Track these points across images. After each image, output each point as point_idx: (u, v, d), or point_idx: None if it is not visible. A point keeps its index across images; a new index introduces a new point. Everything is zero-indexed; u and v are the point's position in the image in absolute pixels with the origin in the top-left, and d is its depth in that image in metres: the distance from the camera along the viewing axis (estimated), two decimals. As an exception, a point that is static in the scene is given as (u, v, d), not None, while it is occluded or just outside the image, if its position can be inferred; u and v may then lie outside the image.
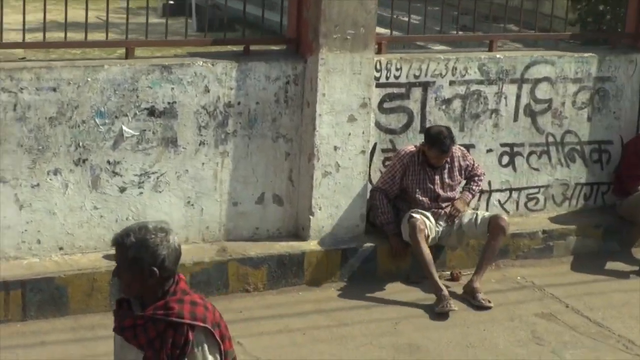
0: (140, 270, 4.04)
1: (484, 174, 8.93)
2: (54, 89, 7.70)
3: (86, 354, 7.12)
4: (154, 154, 8.10)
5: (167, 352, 3.98)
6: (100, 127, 7.89)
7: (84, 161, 7.88)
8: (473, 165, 8.82)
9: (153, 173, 8.12)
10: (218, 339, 4.12)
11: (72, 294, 7.65)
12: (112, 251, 7.77)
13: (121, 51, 8.35)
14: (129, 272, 4.06)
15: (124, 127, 7.95)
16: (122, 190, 8.04)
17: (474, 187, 8.86)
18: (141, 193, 8.12)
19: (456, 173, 8.72)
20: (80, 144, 7.84)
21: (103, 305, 7.67)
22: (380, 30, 9.12)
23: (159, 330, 4.01)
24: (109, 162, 7.96)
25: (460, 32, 10.70)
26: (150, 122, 8.06)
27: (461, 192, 8.75)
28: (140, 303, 4.14)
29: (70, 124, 7.79)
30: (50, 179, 7.79)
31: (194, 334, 4.03)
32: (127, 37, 8.30)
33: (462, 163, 8.74)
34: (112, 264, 7.70)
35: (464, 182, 8.83)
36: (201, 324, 4.05)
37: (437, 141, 8.41)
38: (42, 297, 7.54)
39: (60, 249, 7.91)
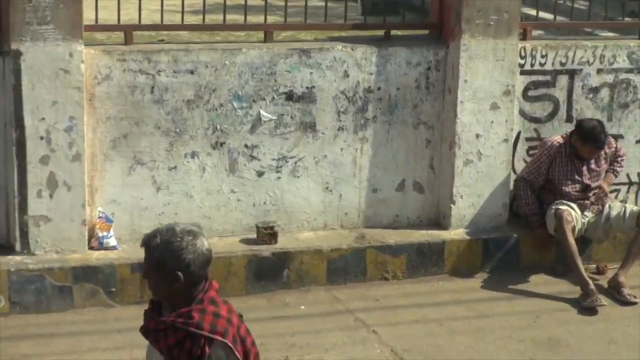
0: (165, 274, 3.85)
1: (625, 153, 8.57)
2: (192, 72, 7.75)
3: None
4: (292, 138, 8.07)
5: None
6: (238, 110, 7.90)
7: (221, 144, 7.91)
8: (616, 147, 8.49)
9: (291, 158, 8.09)
10: (238, 355, 3.90)
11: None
12: (250, 235, 7.98)
13: (260, 35, 8.35)
14: (154, 275, 3.89)
15: (262, 111, 7.94)
16: (260, 174, 8.04)
17: (617, 168, 8.53)
18: (279, 178, 8.10)
19: (602, 162, 8.39)
20: (218, 127, 7.88)
21: (239, 289, 7.67)
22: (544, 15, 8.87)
23: (178, 338, 3.85)
24: (246, 145, 7.97)
25: (628, 19, 10.29)
26: (288, 106, 8.02)
27: (605, 174, 8.43)
28: (170, 306, 3.95)
29: (208, 107, 7.84)
30: (187, 162, 7.85)
31: (212, 348, 3.82)
32: (266, 21, 8.30)
33: (607, 151, 8.40)
34: (249, 248, 7.86)
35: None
36: (220, 338, 3.83)
37: (592, 137, 8.10)
38: (180, 279, 7.60)
39: (197, 232, 7.95)
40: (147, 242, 3.92)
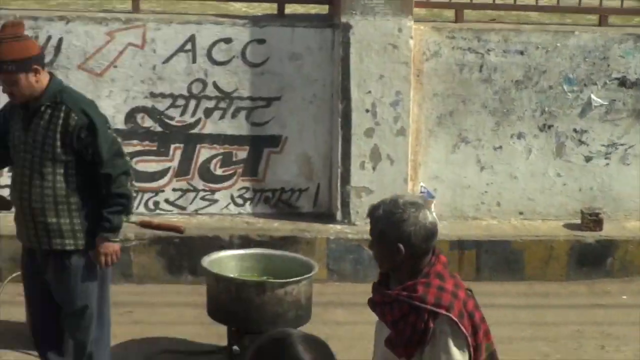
0: (387, 245, 3.76)
1: None
2: (522, 52, 7.64)
3: (534, 321, 6.98)
4: (622, 125, 7.75)
5: (406, 335, 3.71)
6: (568, 93, 7.69)
7: (549, 127, 7.73)
8: None
9: (621, 145, 7.77)
10: (465, 330, 3.70)
11: (528, 259, 7.55)
12: (574, 220, 7.76)
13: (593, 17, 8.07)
14: (377, 246, 3.81)
15: (593, 96, 7.69)
16: (588, 159, 7.79)
17: None
18: (607, 164, 7.80)
19: None
20: (546, 109, 7.71)
21: (559, 274, 7.49)
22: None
23: (403, 312, 3.74)
24: (575, 130, 7.74)
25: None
26: (620, 92, 7.72)
27: None
28: (397, 279, 3.86)
29: (537, 88, 7.69)
30: (513, 143, 7.75)
31: (436, 322, 3.68)
32: (601, 4, 8.00)
33: None
34: (572, 234, 7.65)
35: None
36: (444, 312, 3.68)
37: None
38: (497, 259, 7.54)
39: (520, 213, 7.84)
40: (372, 213, 3.83)
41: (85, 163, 4.79)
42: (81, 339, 4.94)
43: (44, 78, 4.78)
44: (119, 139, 5.02)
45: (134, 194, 5.08)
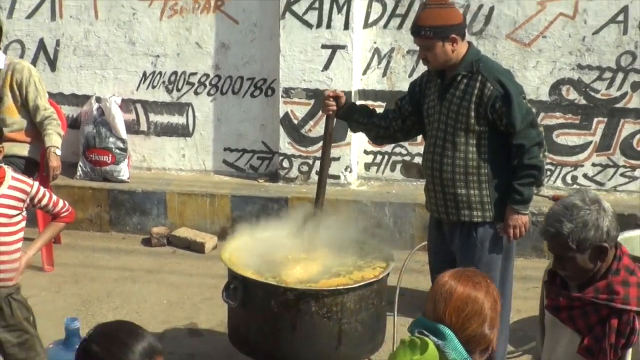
0: (591, 251, 3.39)
1: None
2: None
3: None
4: None
5: (610, 341, 3.33)
6: None
7: None
8: None
9: None
10: None
11: None
12: None
13: None
14: (578, 258, 3.43)
15: None
16: None
17: None
18: None
19: None
20: None
21: None
22: None
23: (601, 316, 3.35)
24: None
25: None
26: None
27: None
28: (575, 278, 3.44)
29: None
30: None
31: None
32: None
33: None
34: None
35: None
36: None
37: None
38: None
39: None
40: (556, 229, 3.45)
41: (498, 133, 4.73)
42: None
43: (462, 48, 4.76)
44: (534, 110, 4.89)
45: (546, 167, 4.93)
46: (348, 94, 7.58)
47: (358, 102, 5.61)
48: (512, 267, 5.01)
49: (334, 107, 5.07)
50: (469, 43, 4.86)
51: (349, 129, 5.52)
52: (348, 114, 5.13)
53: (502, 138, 4.73)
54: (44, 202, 4.59)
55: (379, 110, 5.28)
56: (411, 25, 4.91)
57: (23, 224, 4.54)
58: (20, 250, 4.57)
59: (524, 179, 4.69)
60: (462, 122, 4.74)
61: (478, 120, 4.71)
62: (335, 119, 5.13)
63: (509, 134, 4.67)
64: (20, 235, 4.53)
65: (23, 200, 4.50)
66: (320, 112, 7.55)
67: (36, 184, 4.57)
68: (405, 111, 5.10)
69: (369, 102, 7.74)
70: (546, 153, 4.81)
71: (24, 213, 4.56)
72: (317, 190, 5.11)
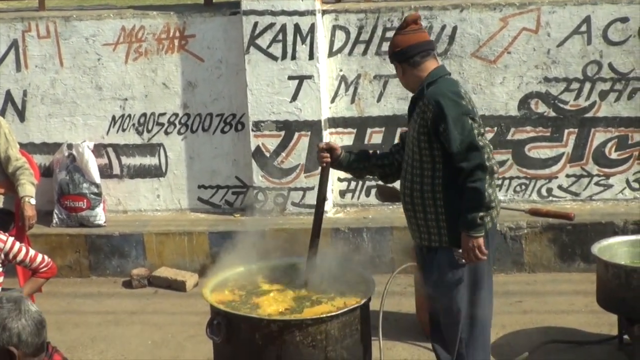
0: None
1: None
2: None
3: None
4: None
5: None
6: None
7: None
8: None
9: None
10: None
11: None
12: None
13: None
14: None
15: None
16: None
17: None
18: None
19: None
20: None
21: None
22: None
23: None
24: None
25: None
26: None
27: None
28: None
29: None
30: None
31: None
32: None
33: None
34: None
35: None
36: None
37: None
38: None
39: None
40: None
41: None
42: (450, 337, 4.86)
43: (421, 72, 4.78)
44: (479, 129, 4.60)
45: (490, 190, 4.71)
46: (317, 122, 7.61)
47: (362, 148, 5.55)
48: (485, 294, 4.82)
49: (328, 159, 5.03)
50: (439, 66, 4.82)
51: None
52: (344, 164, 5.08)
53: None
54: (20, 257, 4.54)
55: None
56: None
57: (1, 279, 4.49)
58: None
59: (468, 202, 4.56)
60: (417, 147, 4.72)
61: (430, 145, 4.63)
62: (330, 170, 5.10)
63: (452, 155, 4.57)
64: (-1, 290, 4.48)
65: (-4, 257, 4.44)
66: (293, 142, 7.67)
67: (11, 239, 4.52)
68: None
69: (339, 129, 7.79)
70: (496, 176, 4.61)
71: (1, 268, 4.51)
72: (312, 233, 5.09)
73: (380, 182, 5.23)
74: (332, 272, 5.08)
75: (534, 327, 6.29)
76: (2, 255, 4.46)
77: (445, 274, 4.73)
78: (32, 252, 4.57)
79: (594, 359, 5.75)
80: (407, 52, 4.76)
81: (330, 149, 5.05)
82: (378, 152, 5.18)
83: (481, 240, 4.58)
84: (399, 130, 7.20)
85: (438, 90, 4.64)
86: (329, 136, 7.77)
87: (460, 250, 4.66)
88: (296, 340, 4.54)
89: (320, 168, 5.11)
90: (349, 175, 7.82)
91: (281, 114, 7.67)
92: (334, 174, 7.76)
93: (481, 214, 4.55)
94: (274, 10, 7.57)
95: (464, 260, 4.66)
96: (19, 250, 4.50)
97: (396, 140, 6.98)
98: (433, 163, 4.68)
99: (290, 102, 7.65)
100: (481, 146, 4.53)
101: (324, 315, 4.60)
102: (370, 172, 5.17)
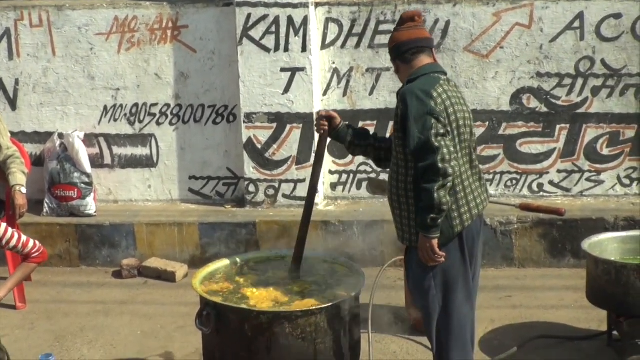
0: None
1: None
2: None
3: None
4: None
5: None
6: None
7: None
8: None
9: None
10: None
11: None
12: None
13: None
14: None
15: None
16: None
17: None
18: None
19: None
20: None
21: None
22: None
23: None
24: None
25: None
26: None
27: None
28: None
29: None
30: None
31: None
32: None
33: None
34: None
35: None
36: None
37: None
38: None
39: None
40: None
41: None
42: (428, 334, 4.81)
43: (414, 67, 4.78)
44: (441, 129, 4.46)
45: (442, 192, 4.62)
46: (310, 115, 7.60)
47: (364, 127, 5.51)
48: (460, 296, 4.71)
49: (326, 127, 5.02)
50: (428, 64, 4.78)
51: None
52: (342, 135, 5.05)
53: None
54: (13, 243, 4.55)
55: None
56: None
57: (-10, 264, 4.51)
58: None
59: (421, 203, 4.50)
60: (395, 144, 4.71)
61: (403, 142, 4.58)
62: (327, 139, 5.08)
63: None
64: (-12, 275, 4.49)
65: (-11, 242, 4.45)
66: (284, 134, 7.67)
67: (3, 225, 4.52)
68: None
69: (332, 122, 7.79)
70: (449, 179, 4.44)
71: (-8, 254, 4.52)
72: (304, 211, 5.08)
73: (371, 176, 5.23)
74: (320, 265, 5.10)
75: (523, 322, 6.30)
76: (-5, 241, 4.47)
77: (417, 274, 4.71)
78: (24, 237, 4.58)
79: (583, 355, 5.76)
80: (400, 49, 4.75)
81: (329, 117, 5.03)
82: (377, 134, 5.15)
83: (434, 242, 4.52)
84: (391, 124, 7.18)
85: (410, 88, 4.61)
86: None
87: None
88: (285, 332, 4.54)
89: (318, 137, 5.11)
90: (340, 168, 7.90)
91: (273, 106, 7.66)
92: (325, 167, 7.75)
93: (432, 215, 4.47)
94: (267, 2, 7.56)
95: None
96: (12, 236, 4.51)
97: (388, 134, 6.99)
98: (406, 161, 4.63)
99: (283, 94, 7.64)
100: (436, 147, 4.43)
101: (314, 308, 4.60)
102: (365, 152, 5.11)
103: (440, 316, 4.71)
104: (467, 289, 4.75)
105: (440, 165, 4.40)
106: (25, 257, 4.66)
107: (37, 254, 4.65)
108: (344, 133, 5.06)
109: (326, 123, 5.03)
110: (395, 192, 4.72)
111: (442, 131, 4.48)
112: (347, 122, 5.11)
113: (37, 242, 4.66)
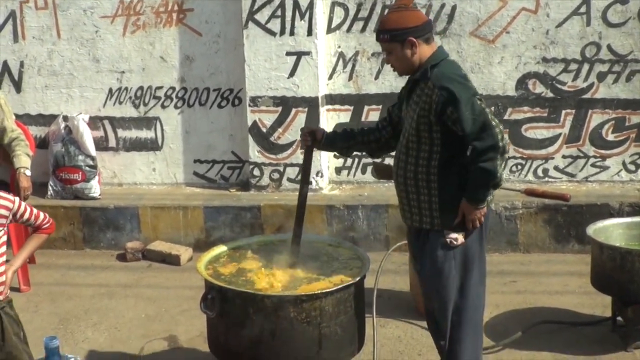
0: None
1: None
2: None
3: None
4: None
5: None
6: None
7: None
8: None
9: None
10: None
11: None
12: None
13: None
14: None
15: None
16: None
17: None
18: None
19: None
20: None
21: None
22: None
23: None
24: None
25: None
26: None
27: None
28: None
29: None
30: None
31: None
32: None
33: None
34: None
35: None
36: None
37: None
38: None
39: None
40: None
41: (453, 142, 4.64)
42: (440, 319, 4.85)
43: (425, 51, 4.66)
44: (488, 110, 4.57)
45: (501, 169, 4.72)
46: (315, 99, 7.59)
47: (346, 127, 5.50)
48: (475, 277, 4.77)
49: (309, 142, 5.05)
50: (439, 47, 4.77)
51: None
52: (330, 144, 5.11)
53: (457, 147, 4.62)
54: (26, 216, 4.60)
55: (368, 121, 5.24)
56: None
57: (5, 238, 4.54)
58: (4, 264, 4.54)
59: (476, 180, 4.54)
60: (416, 129, 4.67)
61: (430, 127, 4.59)
62: (312, 153, 5.12)
63: (463, 137, 4.52)
64: (4, 249, 4.51)
65: (6, 217, 4.48)
66: (289, 118, 7.66)
67: (17, 199, 4.57)
68: (396, 117, 5.01)
69: (336, 106, 7.77)
70: (506, 155, 4.58)
71: (6, 228, 4.57)
72: (297, 214, 5.11)
73: (376, 160, 5.23)
74: (325, 249, 5.10)
75: (528, 307, 6.29)
76: (11, 216, 4.52)
77: (437, 257, 4.70)
78: (35, 210, 4.65)
79: (587, 340, 5.75)
80: (407, 32, 4.67)
81: (311, 132, 5.08)
82: (364, 128, 5.15)
83: (484, 210, 4.64)
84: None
85: (444, 74, 4.59)
86: (326, 113, 7.75)
87: (452, 234, 4.67)
88: (290, 316, 4.54)
89: (303, 154, 5.17)
90: (345, 153, 7.89)
91: (278, 89, 7.65)
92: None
93: (491, 190, 4.60)
94: (273, -15, 7.55)
95: (455, 243, 4.66)
96: (25, 210, 4.57)
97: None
98: (431, 145, 4.64)
99: (288, 78, 7.62)
100: (494, 126, 4.50)
101: (319, 292, 4.60)
102: (357, 149, 5.17)
103: (455, 299, 4.73)
104: (481, 269, 4.80)
105: (500, 143, 4.49)
106: (37, 228, 4.71)
107: (47, 225, 4.72)
108: (331, 141, 5.10)
109: (309, 138, 5.06)
110: (412, 176, 4.71)
111: (488, 110, 4.57)
112: (327, 131, 5.15)
113: (46, 215, 4.73)
